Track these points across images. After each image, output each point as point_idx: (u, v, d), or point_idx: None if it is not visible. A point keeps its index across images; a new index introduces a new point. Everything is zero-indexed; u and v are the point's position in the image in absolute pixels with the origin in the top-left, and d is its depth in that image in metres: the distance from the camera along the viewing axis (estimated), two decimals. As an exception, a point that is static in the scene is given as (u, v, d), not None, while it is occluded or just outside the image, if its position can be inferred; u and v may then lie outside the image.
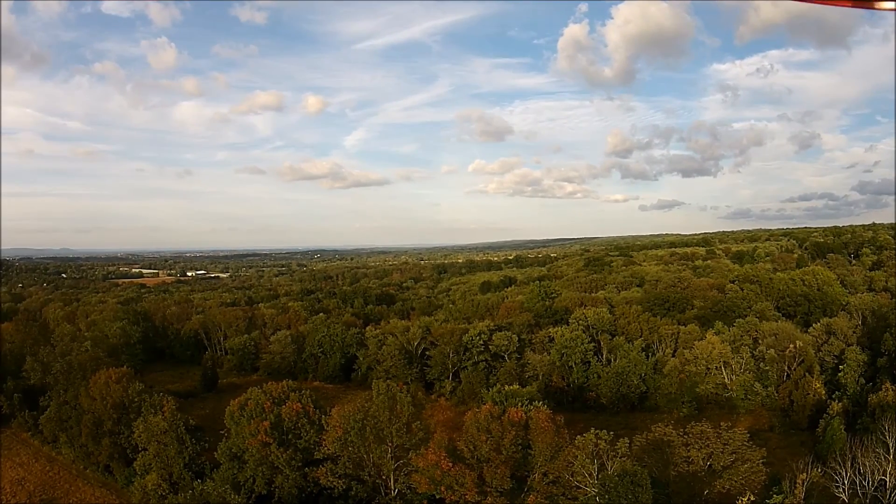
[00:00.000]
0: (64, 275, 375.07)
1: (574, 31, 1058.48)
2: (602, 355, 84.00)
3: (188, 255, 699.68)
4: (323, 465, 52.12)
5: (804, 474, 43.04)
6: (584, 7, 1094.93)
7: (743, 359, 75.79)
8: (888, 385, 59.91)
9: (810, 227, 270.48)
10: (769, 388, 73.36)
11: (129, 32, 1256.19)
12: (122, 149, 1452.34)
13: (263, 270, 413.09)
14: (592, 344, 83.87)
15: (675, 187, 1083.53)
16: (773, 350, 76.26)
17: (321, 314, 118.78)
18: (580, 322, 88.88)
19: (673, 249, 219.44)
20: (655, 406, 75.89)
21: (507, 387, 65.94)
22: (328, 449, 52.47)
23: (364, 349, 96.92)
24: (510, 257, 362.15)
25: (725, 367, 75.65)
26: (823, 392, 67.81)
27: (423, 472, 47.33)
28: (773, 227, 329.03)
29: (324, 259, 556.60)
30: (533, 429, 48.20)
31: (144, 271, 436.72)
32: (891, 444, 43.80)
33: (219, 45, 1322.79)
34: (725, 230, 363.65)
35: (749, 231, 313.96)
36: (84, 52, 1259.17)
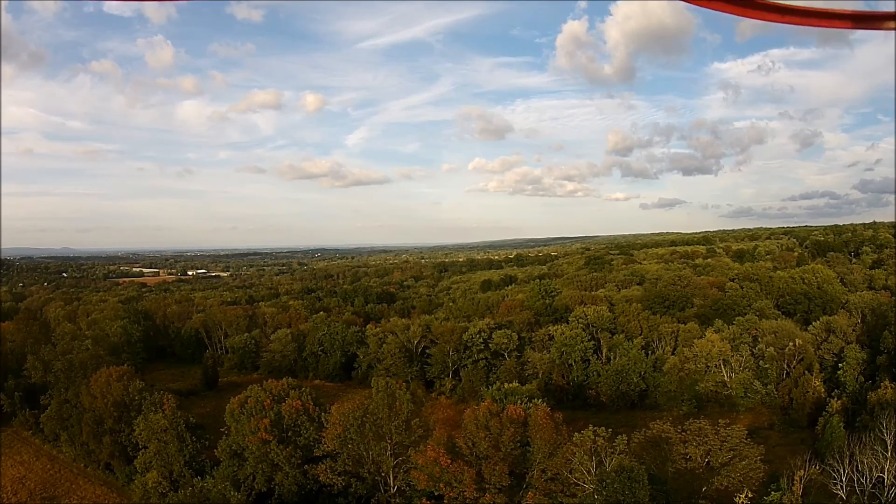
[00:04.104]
0: (65, 274, 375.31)
1: (573, 27, 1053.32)
2: (602, 353, 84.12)
3: (189, 254, 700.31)
4: (322, 463, 52.28)
5: (802, 471, 43.17)
6: (583, 4, 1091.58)
7: (743, 357, 75.84)
8: (887, 383, 60.02)
9: (811, 226, 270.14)
10: (769, 386, 73.42)
11: (125, 31, 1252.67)
12: (123, 148, 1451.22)
13: (264, 269, 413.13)
14: (592, 342, 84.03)
15: (677, 186, 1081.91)
16: (772, 348, 76.30)
17: (322, 313, 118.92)
18: (580, 320, 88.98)
19: (673, 248, 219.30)
20: (655, 404, 75.97)
21: (506, 384, 66.01)
22: (328, 446, 52.60)
23: (364, 347, 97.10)
24: (511, 256, 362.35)
25: (725, 366, 75.71)
26: (823, 390, 67.90)
27: (422, 468, 47.44)
28: (774, 226, 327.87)
29: (325, 258, 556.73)
30: (532, 426, 48.31)
31: (145, 270, 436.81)
32: (889, 442, 43.87)
33: (216, 43, 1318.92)
34: (726, 229, 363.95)
35: (750, 230, 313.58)
36: (82, 51, 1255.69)
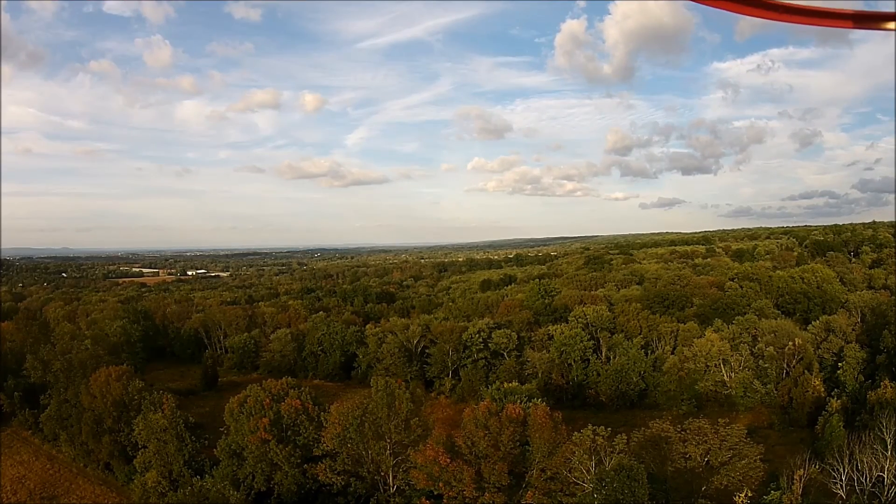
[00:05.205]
0: (64, 274, 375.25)
1: (572, 26, 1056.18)
2: (601, 353, 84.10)
3: (189, 254, 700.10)
4: (322, 462, 52.22)
5: (802, 471, 43.15)
6: (582, 3, 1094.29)
7: (742, 356, 75.81)
8: (887, 382, 59.94)
9: (811, 226, 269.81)
10: (768, 386, 73.37)
11: (124, 31, 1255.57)
12: (122, 148, 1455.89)
13: (264, 269, 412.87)
14: (592, 342, 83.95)
15: (676, 185, 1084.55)
16: (772, 348, 76.24)
17: (321, 312, 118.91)
18: (580, 320, 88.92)
19: (673, 247, 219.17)
20: (655, 404, 75.91)
21: (506, 384, 65.99)
22: (327, 445, 52.56)
23: (364, 347, 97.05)
24: (510, 256, 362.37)
25: (725, 365, 75.69)
26: (822, 389, 67.85)
27: (421, 468, 47.40)
28: (773, 226, 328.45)
29: (324, 258, 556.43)
30: (531, 425, 48.25)
31: (145, 270, 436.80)
32: (889, 441, 43.85)
33: (214, 42, 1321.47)
34: (726, 228, 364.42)
35: (749, 229, 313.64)
36: (80, 50, 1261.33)
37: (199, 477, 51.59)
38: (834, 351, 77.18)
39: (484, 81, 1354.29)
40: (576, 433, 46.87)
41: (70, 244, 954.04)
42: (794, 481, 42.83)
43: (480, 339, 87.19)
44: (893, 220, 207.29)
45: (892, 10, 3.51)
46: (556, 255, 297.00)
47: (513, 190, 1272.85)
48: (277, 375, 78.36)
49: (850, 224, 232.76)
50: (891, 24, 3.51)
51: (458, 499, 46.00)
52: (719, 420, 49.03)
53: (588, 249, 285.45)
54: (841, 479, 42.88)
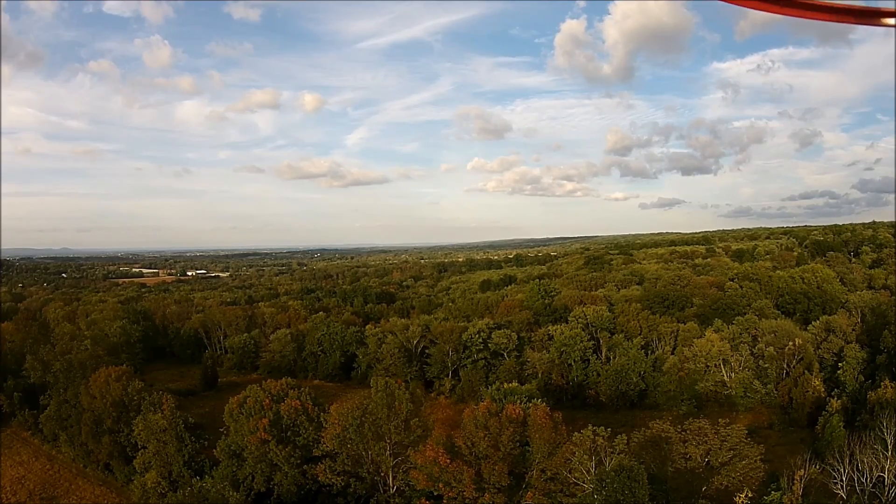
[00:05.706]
0: (64, 274, 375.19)
1: (571, 26, 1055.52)
2: (601, 353, 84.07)
3: (189, 254, 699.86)
4: (321, 462, 52.11)
5: (802, 471, 43.09)
6: (581, 3, 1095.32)
7: (742, 356, 75.78)
8: (887, 382, 59.91)
9: (811, 226, 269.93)
10: (768, 386, 73.37)
11: (123, 31, 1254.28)
12: (122, 148, 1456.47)
13: (264, 269, 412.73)
14: (592, 342, 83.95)
15: (676, 185, 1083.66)
16: (772, 348, 76.24)
17: (321, 313, 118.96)
18: (580, 320, 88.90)
19: (673, 248, 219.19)
20: (655, 404, 75.91)
21: (506, 384, 65.95)
22: (327, 446, 52.46)
23: (364, 347, 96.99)
24: (510, 256, 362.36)
25: (725, 365, 75.65)
26: (822, 389, 67.83)
27: (421, 468, 47.33)
28: (773, 226, 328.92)
29: (324, 258, 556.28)
30: (531, 425, 48.20)
31: (145, 270, 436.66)
32: (889, 441, 43.81)
33: (213, 42, 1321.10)
34: (726, 228, 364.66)
35: (749, 229, 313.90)
36: (80, 50, 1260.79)
37: (198, 477, 51.54)
38: (834, 351, 77.17)
39: (484, 81, 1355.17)
40: (576, 433, 46.81)
41: (70, 244, 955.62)
42: (795, 481, 42.77)
43: (480, 340, 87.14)
44: (893, 220, 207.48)
45: (892, 6, 3.48)
46: (555, 256, 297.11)
47: (513, 190, 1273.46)
48: (277, 376, 78.27)
49: (850, 224, 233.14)
50: (891, 21, 3.47)
51: (458, 499, 45.92)
52: (719, 420, 48.97)
53: (588, 250, 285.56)
54: (841, 480, 42.83)
